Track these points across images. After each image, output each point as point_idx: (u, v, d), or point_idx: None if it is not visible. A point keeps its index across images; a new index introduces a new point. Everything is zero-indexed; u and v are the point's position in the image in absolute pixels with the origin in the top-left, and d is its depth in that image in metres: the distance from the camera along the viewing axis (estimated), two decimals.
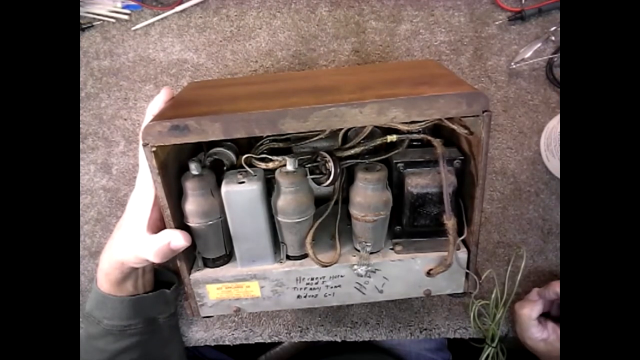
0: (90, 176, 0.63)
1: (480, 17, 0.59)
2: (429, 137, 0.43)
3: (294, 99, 0.40)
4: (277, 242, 0.46)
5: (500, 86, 0.60)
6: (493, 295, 0.60)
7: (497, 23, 0.59)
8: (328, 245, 0.47)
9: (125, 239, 0.47)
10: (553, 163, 0.59)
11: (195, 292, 0.47)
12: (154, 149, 0.38)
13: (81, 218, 0.64)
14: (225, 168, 0.46)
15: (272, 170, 0.44)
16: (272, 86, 0.48)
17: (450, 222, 0.42)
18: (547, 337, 0.57)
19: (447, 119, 0.41)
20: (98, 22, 0.61)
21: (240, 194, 0.42)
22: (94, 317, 0.54)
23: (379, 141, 0.44)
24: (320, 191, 0.48)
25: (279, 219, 0.44)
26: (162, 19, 0.60)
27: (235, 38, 0.61)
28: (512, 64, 0.59)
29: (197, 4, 0.60)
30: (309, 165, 0.45)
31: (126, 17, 0.60)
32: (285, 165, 0.43)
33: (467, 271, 0.46)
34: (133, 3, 0.60)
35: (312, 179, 0.45)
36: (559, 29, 0.58)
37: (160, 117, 0.39)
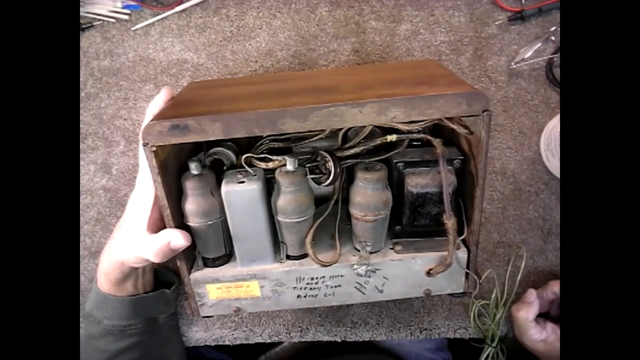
0: (90, 176, 0.63)
1: (480, 17, 0.59)
2: (429, 137, 0.43)
3: (294, 98, 0.40)
4: (277, 242, 0.46)
5: (500, 86, 0.60)
6: (493, 295, 0.60)
7: (497, 23, 0.59)
8: (328, 245, 0.47)
9: (125, 239, 0.47)
10: (553, 163, 0.59)
11: (195, 292, 0.47)
12: (154, 148, 0.38)
13: (81, 218, 0.64)
14: (225, 168, 0.46)
15: (272, 170, 0.44)
16: (272, 86, 0.48)
17: (450, 222, 0.42)
18: (546, 338, 0.57)
19: (447, 118, 0.41)
20: (98, 22, 0.61)
21: (240, 194, 0.42)
22: (94, 317, 0.54)
23: (378, 141, 0.44)
24: (320, 191, 0.48)
25: (279, 218, 0.44)
26: (162, 19, 0.60)
27: (235, 38, 0.61)
28: (512, 64, 0.59)
29: (197, 4, 0.60)
30: (308, 165, 0.45)
31: (126, 17, 0.60)
32: (285, 165, 0.43)
33: (467, 271, 0.46)
34: (133, 3, 0.60)
35: (312, 178, 0.45)
36: (559, 29, 0.58)
37: (160, 116, 0.39)
